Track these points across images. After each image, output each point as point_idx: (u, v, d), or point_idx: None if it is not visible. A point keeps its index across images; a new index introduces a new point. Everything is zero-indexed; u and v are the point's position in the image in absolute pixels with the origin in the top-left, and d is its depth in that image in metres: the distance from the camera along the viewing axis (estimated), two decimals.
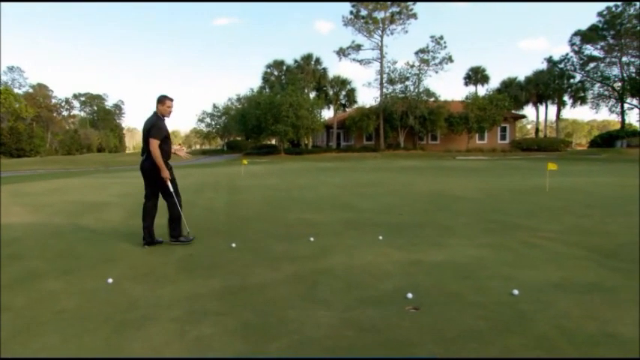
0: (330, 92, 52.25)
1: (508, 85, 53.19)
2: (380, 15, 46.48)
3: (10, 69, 70.84)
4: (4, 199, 10.86)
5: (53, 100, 77.86)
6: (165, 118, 5.68)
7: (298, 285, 4.07)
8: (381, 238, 5.97)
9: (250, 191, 12.05)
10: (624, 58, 47.93)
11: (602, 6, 60.29)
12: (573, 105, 54.36)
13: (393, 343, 2.86)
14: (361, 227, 6.85)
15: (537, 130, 59.14)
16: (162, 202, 5.91)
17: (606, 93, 52.30)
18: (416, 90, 45.25)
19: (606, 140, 43.80)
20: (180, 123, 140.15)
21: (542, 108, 56.09)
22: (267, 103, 42.62)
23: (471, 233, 6.30)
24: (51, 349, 2.82)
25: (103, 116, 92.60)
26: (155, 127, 5.48)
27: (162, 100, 5.61)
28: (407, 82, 45.65)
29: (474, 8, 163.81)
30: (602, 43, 47.48)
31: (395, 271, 4.48)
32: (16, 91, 66.60)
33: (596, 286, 3.94)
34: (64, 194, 12.03)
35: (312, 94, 51.37)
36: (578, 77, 52.14)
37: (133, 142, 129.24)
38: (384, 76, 46.69)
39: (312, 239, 5.92)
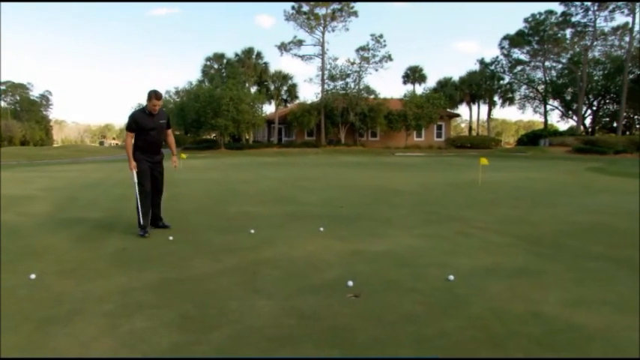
0: (272, 87, 51.85)
1: (444, 84, 55.31)
2: (321, 11, 46.69)
3: None
4: None
5: None
6: (152, 112, 5.67)
7: (239, 276, 3.99)
8: (322, 229, 5.99)
9: (189, 185, 11.70)
10: (547, 63, 51.45)
11: (528, 12, 64.21)
12: (502, 105, 57.63)
13: (334, 329, 2.86)
14: (302, 219, 6.84)
15: (470, 129, 62.06)
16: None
17: (531, 95, 55.92)
18: (356, 87, 45.92)
19: (531, 139, 46.72)
20: (114, 116, 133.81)
21: (474, 107, 58.95)
22: (206, 97, 41.54)
23: (409, 224, 6.47)
24: None
25: (27, 107, 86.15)
26: (128, 119, 5.69)
27: (149, 96, 5.62)
28: (348, 79, 46.20)
29: (412, 9, 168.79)
30: (528, 48, 50.61)
31: (336, 260, 4.50)
32: None
33: (523, 270, 4.17)
34: None
35: (254, 89, 50.68)
36: (507, 79, 55.33)
37: (62, 135, 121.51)
38: (325, 72, 46.96)
39: (252, 231, 5.83)
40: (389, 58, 46.63)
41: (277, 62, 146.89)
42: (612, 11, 42.45)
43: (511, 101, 56.29)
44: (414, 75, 56.15)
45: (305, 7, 46.49)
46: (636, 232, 5.87)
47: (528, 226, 6.30)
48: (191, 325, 2.93)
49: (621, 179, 14.48)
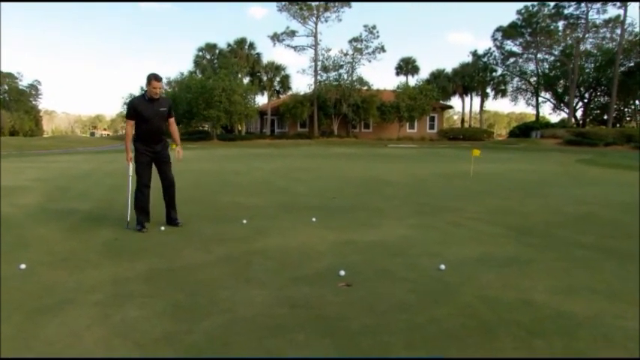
0: (264, 78, 51.53)
1: (437, 76, 55.31)
2: (314, 2, 46.37)
3: None
4: None
5: None
6: (152, 97, 5.30)
7: (231, 266, 3.99)
8: (314, 220, 5.99)
9: (181, 176, 11.58)
10: (539, 55, 51.57)
11: (521, 4, 64.19)
12: (495, 97, 57.83)
13: (326, 318, 2.87)
14: (295, 210, 6.84)
15: (463, 121, 62.23)
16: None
17: (524, 87, 56.11)
18: (349, 78, 45.76)
19: (523, 131, 46.98)
20: (105, 106, 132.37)
21: (467, 99, 59.11)
22: (198, 88, 41.19)
23: (401, 215, 6.50)
24: None
25: (16, 97, 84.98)
26: (127, 106, 5.40)
27: (148, 79, 5.26)
28: (341, 70, 46.02)
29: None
30: (521, 40, 50.66)
31: (328, 250, 4.52)
32: None
33: (513, 259, 4.21)
34: None
35: (246, 80, 50.32)
36: (499, 71, 55.45)
37: (52, 125, 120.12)
38: (318, 63, 46.74)
39: (245, 222, 5.82)
40: (382, 49, 46.51)
41: (270, 53, 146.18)
42: (604, 3, 42.57)
43: (503, 93, 56.47)
44: (407, 66, 56.08)
45: None
46: (625, 223, 5.95)
47: (519, 217, 6.35)
48: (183, 314, 2.93)
49: (611, 171, 14.63)
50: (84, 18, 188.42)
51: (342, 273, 3.70)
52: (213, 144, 40.11)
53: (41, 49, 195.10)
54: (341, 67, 45.94)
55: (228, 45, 51.90)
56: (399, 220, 6.11)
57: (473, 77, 54.51)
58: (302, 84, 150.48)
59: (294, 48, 49.06)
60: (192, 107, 41.56)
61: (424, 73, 66.34)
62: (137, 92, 60.26)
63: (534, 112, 56.19)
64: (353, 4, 47.42)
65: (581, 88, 50.75)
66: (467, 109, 61.54)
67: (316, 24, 47.36)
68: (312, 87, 46.96)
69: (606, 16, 44.19)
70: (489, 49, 54.63)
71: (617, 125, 48.37)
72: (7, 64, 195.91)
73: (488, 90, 57.08)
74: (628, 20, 42.58)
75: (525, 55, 52.58)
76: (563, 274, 3.76)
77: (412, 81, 53.20)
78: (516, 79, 55.72)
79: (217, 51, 52.96)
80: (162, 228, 5.44)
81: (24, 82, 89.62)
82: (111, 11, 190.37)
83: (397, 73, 57.01)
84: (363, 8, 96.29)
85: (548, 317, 2.87)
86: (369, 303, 3.12)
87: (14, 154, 25.90)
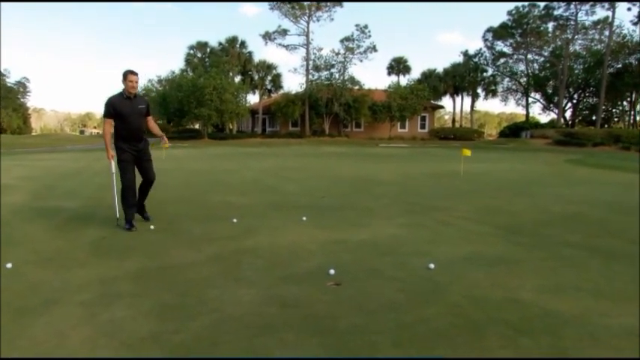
0: (256, 77, 51.35)
1: (428, 76, 55.50)
2: (306, 1, 46.26)
3: None
4: None
5: None
6: (129, 95, 5.29)
7: (220, 265, 3.97)
8: (304, 219, 5.99)
9: (172, 174, 11.57)
10: (529, 56, 51.96)
11: (511, 5, 64.54)
12: (486, 97, 58.19)
13: (315, 317, 2.87)
14: (285, 209, 6.83)
15: (454, 120, 62.54)
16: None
17: (514, 87, 56.51)
18: (341, 77, 45.76)
19: (513, 131, 47.33)
20: (95, 104, 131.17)
21: (458, 99, 59.38)
22: (189, 86, 40.94)
23: (391, 214, 6.51)
24: None
25: (4, 94, 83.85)
26: (105, 105, 5.27)
27: (124, 75, 5.24)
28: (332, 70, 45.99)
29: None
30: (511, 41, 51.02)
31: (318, 249, 4.51)
32: None
33: (502, 258, 4.24)
34: None
35: (237, 78, 50.13)
36: (490, 71, 55.78)
37: (41, 123, 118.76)
38: (310, 62, 46.69)
39: (235, 221, 5.80)
40: (373, 48, 46.57)
41: (261, 52, 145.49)
42: (593, 5, 42.98)
43: (494, 93, 56.83)
44: (398, 66, 56.21)
45: None
46: (611, 222, 6.02)
47: (508, 216, 6.40)
48: (170, 313, 2.91)
49: (599, 171, 14.78)
50: (73, 14, 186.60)
51: (332, 272, 3.70)
52: (204, 143, 39.91)
53: (30, 46, 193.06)
54: (333, 66, 45.94)
55: (220, 43, 51.68)
56: (388, 219, 6.13)
57: (464, 77, 54.79)
58: (294, 83, 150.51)
59: (286, 47, 48.96)
60: (184, 106, 41.33)
61: (415, 73, 66.65)
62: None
63: (524, 112, 56.65)
64: (345, 3, 47.41)
65: (571, 89, 51.26)
66: (458, 109, 61.91)
67: (308, 23, 47.31)
68: (304, 86, 46.89)
69: (595, 18, 44.69)
70: (480, 49, 55.07)
71: (605, 126, 48.88)
72: None
73: (479, 90, 57.46)
74: (616, 22, 43.10)
75: (516, 56, 52.98)
76: (550, 273, 3.79)
77: (403, 81, 53.36)
78: (507, 79, 56.12)
79: (209, 49, 52.71)
80: (152, 227, 5.40)
81: (11, 79, 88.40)
82: (101, 8, 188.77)
83: (389, 73, 57.17)
84: (355, 8, 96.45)
85: (536, 316, 2.90)
86: (358, 302, 3.13)
87: (1, 152, 25.57)
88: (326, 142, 40.75)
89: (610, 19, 42.42)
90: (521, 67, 54.01)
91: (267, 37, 48.03)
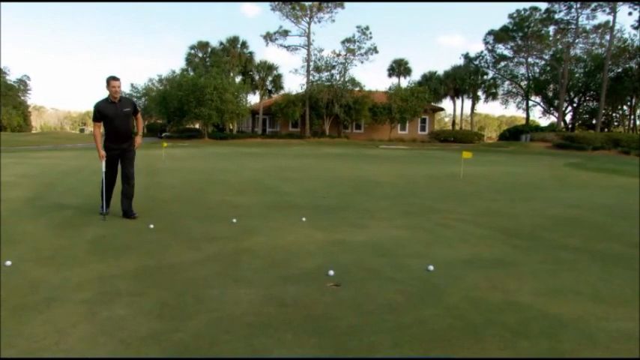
0: (257, 77, 51.33)
1: (429, 78, 55.53)
2: (308, 2, 46.33)
3: None
4: None
5: None
6: (114, 99, 5.75)
7: (219, 264, 3.98)
8: (304, 219, 6.00)
9: (171, 174, 11.57)
10: (530, 59, 51.99)
11: (512, 8, 64.63)
12: (486, 100, 58.22)
13: (314, 317, 2.88)
14: (285, 209, 6.84)
15: (454, 123, 62.56)
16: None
17: (514, 90, 56.51)
18: (342, 79, 45.77)
19: (513, 134, 47.30)
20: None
21: (458, 102, 59.39)
22: (190, 85, 40.93)
23: (390, 215, 6.52)
24: None
25: (4, 92, 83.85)
26: (93, 110, 5.79)
27: (107, 81, 5.71)
28: (333, 71, 45.99)
29: (398, 2, 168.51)
30: (512, 44, 51.05)
31: (317, 250, 4.52)
32: None
33: (500, 261, 4.25)
34: None
35: (238, 79, 50.12)
36: (490, 74, 55.79)
37: (41, 121, 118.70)
38: (311, 63, 46.70)
39: (234, 220, 5.81)
40: (374, 50, 46.53)
41: (262, 52, 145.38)
42: (594, 9, 43.00)
43: (494, 96, 56.88)
44: (399, 68, 56.21)
45: None
46: (610, 226, 6.02)
47: (507, 219, 6.40)
48: (169, 312, 2.91)
49: (598, 175, 14.80)
50: (74, 13, 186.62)
51: (331, 273, 3.71)
52: (204, 142, 39.90)
53: (31, 44, 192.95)
54: (333, 67, 45.95)
55: (221, 43, 51.67)
56: (388, 220, 6.13)
57: (464, 80, 54.82)
58: (294, 84, 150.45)
59: (287, 48, 48.95)
60: (184, 105, 41.30)
61: (416, 75, 66.76)
62: (128, 90, 60.12)
63: (525, 115, 56.68)
64: (346, 4, 47.42)
65: (571, 93, 51.29)
66: (458, 112, 61.92)
67: (309, 24, 47.32)
68: (305, 87, 46.89)
69: (596, 22, 44.71)
70: (481, 52, 55.00)
71: (606, 130, 48.97)
72: None
73: (480, 93, 57.48)
74: (617, 26, 43.08)
75: (516, 59, 52.99)
76: (549, 276, 3.80)
77: (404, 82, 53.42)
78: (507, 82, 56.14)
79: (209, 49, 52.69)
80: (151, 226, 5.41)
81: (12, 77, 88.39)
82: (102, 7, 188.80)
83: (389, 75, 57.17)
84: (356, 9, 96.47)
85: (534, 319, 2.91)
86: (357, 303, 3.13)
87: (1, 150, 25.57)
88: (326, 143, 40.76)
89: (611, 24, 42.45)
90: (522, 70, 54.08)
91: (269, 37, 48.04)
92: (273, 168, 14.83)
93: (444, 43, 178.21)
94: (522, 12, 47.85)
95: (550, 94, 53.14)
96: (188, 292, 3.29)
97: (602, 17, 44.32)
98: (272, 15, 53.15)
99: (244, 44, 51.67)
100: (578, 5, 43.23)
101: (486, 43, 52.69)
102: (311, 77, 46.62)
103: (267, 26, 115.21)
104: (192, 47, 53.08)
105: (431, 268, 3.91)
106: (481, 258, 4.34)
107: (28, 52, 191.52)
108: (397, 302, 3.16)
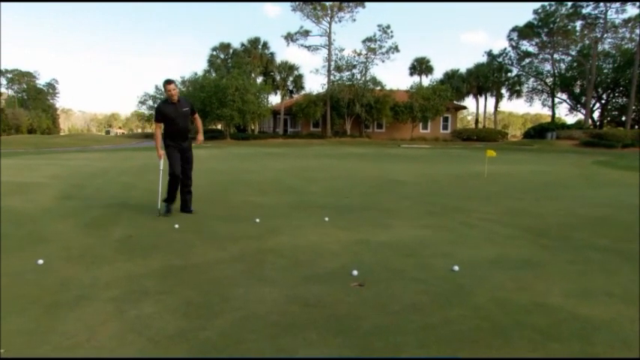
0: (278, 78, 51.60)
1: (451, 76, 54.85)
2: (328, 2, 46.31)
3: None
4: None
5: None
6: (172, 100, 6.05)
7: (243, 264, 4.01)
8: (327, 219, 6.00)
9: (195, 175, 11.65)
10: (555, 55, 50.82)
11: (538, 4, 63.29)
12: (510, 98, 57.08)
13: (338, 317, 2.88)
14: (307, 209, 6.85)
15: (477, 121, 61.62)
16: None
17: (539, 87, 55.33)
18: (363, 78, 45.61)
19: (538, 132, 46.35)
20: (121, 105, 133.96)
21: (481, 100, 58.47)
22: (212, 87, 41.44)
23: (414, 215, 6.47)
24: None
25: (34, 95, 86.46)
26: (154, 111, 6.19)
27: (163, 85, 6.05)
28: (354, 70, 45.84)
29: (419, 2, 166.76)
30: (537, 40, 49.96)
31: (340, 250, 4.52)
32: None
33: (528, 261, 4.16)
34: None
35: (259, 79, 50.44)
36: (514, 71, 54.70)
37: (69, 123, 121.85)
38: (332, 63, 46.66)
39: (257, 220, 5.85)
40: (396, 49, 46.24)
41: (283, 52, 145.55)
42: (624, 3, 41.81)
43: (518, 94, 55.78)
44: (420, 66, 55.69)
45: None
46: None
47: (533, 218, 6.28)
48: (196, 311, 2.95)
49: (628, 173, 14.37)
50: (100, 17, 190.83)
51: (355, 273, 3.70)
52: (226, 143, 40.33)
53: (59, 48, 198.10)
54: (354, 67, 45.80)
55: (242, 44, 52.11)
56: (411, 220, 6.08)
57: (487, 77, 53.93)
58: (315, 84, 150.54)
59: (308, 48, 49.07)
60: (206, 106, 41.79)
61: (438, 74, 66.12)
62: (152, 91, 61.16)
63: (550, 113, 55.44)
64: (367, 4, 47.23)
65: (599, 89, 49.90)
66: (481, 110, 60.95)
67: (330, 24, 47.32)
68: (326, 87, 46.90)
69: (625, 16, 43.42)
70: (505, 49, 54.14)
71: (636, 127, 47.44)
72: (24, 62, 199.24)
73: (503, 90, 56.44)
74: None
75: (541, 56, 51.85)
76: (578, 277, 3.71)
77: (426, 81, 52.84)
78: (532, 79, 54.99)
79: (231, 50, 53.21)
80: (177, 225, 5.49)
81: (41, 81, 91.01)
82: (126, 8, 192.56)
83: (411, 73, 56.68)
84: (377, 8, 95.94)
85: (564, 321, 2.84)
86: (381, 303, 3.12)
87: (32, 152, 26.35)
88: (347, 142, 40.70)
89: None
90: (547, 66, 52.87)
91: (290, 38, 48.24)
92: (295, 168, 14.88)
93: (466, 40, 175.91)
94: (548, 7, 46.78)
95: (577, 90, 51.82)
96: (213, 291, 3.32)
97: (632, 11, 43.18)
98: (293, 15, 53.40)
99: (265, 45, 52.02)
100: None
101: (510, 39, 51.71)
102: (332, 77, 46.60)
103: (288, 26, 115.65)
104: (214, 49, 53.69)
105: (456, 268, 3.86)
106: (507, 258, 4.26)
107: (55, 56, 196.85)
108: (422, 302, 3.13)
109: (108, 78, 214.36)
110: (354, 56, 45.83)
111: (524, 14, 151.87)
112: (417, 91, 45.25)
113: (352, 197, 8.22)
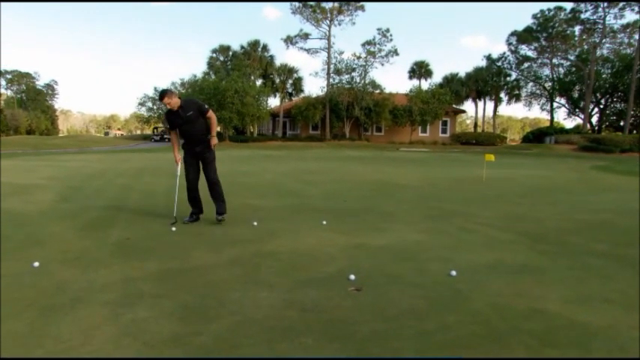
0: (277, 80, 51.68)
1: (450, 80, 54.97)
2: (328, 5, 46.42)
3: None
4: None
5: None
6: (173, 109, 5.81)
7: (240, 267, 3.99)
8: (324, 223, 5.98)
9: None
10: (554, 60, 51.01)
11: (536, 8, 63.39)
12: (509, 102, 57.27)
13: (335, 322, 2.86)
14: (305, 212, 6.84)
15: (476, 125, 61.75)
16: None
17: (538, 92, 55.52)
18: (362, 81, 45.65)
19: (537, 136, 46.43)
20: (120, 106, 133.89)
21: (480, 104, 58.59)
22: (211, 89, 41.48)
23: (412, 219, 6.46)
24: None
25: (33, 96, 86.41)
26: (164, 122, 6.05)
27: (159, 99, 6.00)
28: (353, 73, 45.89)
29: (419, 3, 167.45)
30: (536, 45, 50.15)
31: (338, 254, 4.50)
32: None
33: (525, 267, 4.15)
34: None
35: (259, 82, 50.51)
36: (513, 75, 54.92)
37: (67, 124, 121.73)
38: (331, 66, 46.74)
39: (255, 223, 5.83)
40: (395, 52, 46.33)
41: (283, 55, 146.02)
42: (622, 9, 42.00)
43: (517, 98, 55.94)
44: (419, 70, 55.76)
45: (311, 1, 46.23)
46: None
47: (532, 223, 6.27)
48: (192, 315, 2.93)
49: (627, 178, 14.38)
50: (100, 18, 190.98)
51: (352, 277, 3.69)
52: (225, 145, 40.29)
53: (59, 48, 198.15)
54: (354, 70, 45.85)
55: (242, 47, 52.19)
56: (409, 224, 6.07)
57: (486, 81, 54.07)
58: (314, 86, 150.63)
59: (307, 50, 49.20)
60: None
61: (437, 77, 66.04)
62: (151, 93, 61.16)
63: (548, 117, 55.58)
64: (367, 6, 47.36)
65: (597, 94, 50.07)
66: (480, 114, 61.06)
67: (329, 27, 47.42)
68: (325, 90, 46.96)
69: (624, 22, 43.69)
70: (504, 53, 54.20)
71: (634, 132, 47.51)
72: (23, 63, 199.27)
73: (502, 95, 56.58)
74: None
75: (540, 60, 52.07)
76: (576, 283, 3.70)
77: (425, 85, 52.87)
78: (531, 83, 55.18)
79: (231, 53, 53.28)
80: (174, 229, 5.48)
81: (41, 82, 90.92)
82: (126, 11, 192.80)
83: (410, 77, 56.75)
84: (377, 10, 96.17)
85: (562, 327, 2.83)
86: (378, 308, 3.10)
87: (30, 153, 26.30)
88: (346, 145, 40.70)
89: None
90: (546, 71, 53.11)
91: (289, 40, 48.34)
92: (294, 171, 14.86)
93: (465, 44, 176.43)
94: (546, 12, 47.00)
95: (575, 95, 52.01)
96: (210, 294, 3.31)
97: (630, 16, 43.35)
98: (292, 18, 53.54)
99: (265, 47, 52.12)
100: (606, 4, 42.24)
101: (509, 44, 51.96)
102: (331, 80, 46.66)
103: (287, 29, 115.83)
104: (213, 51, 53.78)
105: (454, 273, 3.84)
106: (505, 263, 4.25)
107: (54, 57, 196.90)
108: (420, 308, 3.12)
109: (107, 79, 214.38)
110: (354, 59, 45.93)
111: (524, 19, 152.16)
112: (417, 94, 45.30)
113: (350, 201, 8.20)
